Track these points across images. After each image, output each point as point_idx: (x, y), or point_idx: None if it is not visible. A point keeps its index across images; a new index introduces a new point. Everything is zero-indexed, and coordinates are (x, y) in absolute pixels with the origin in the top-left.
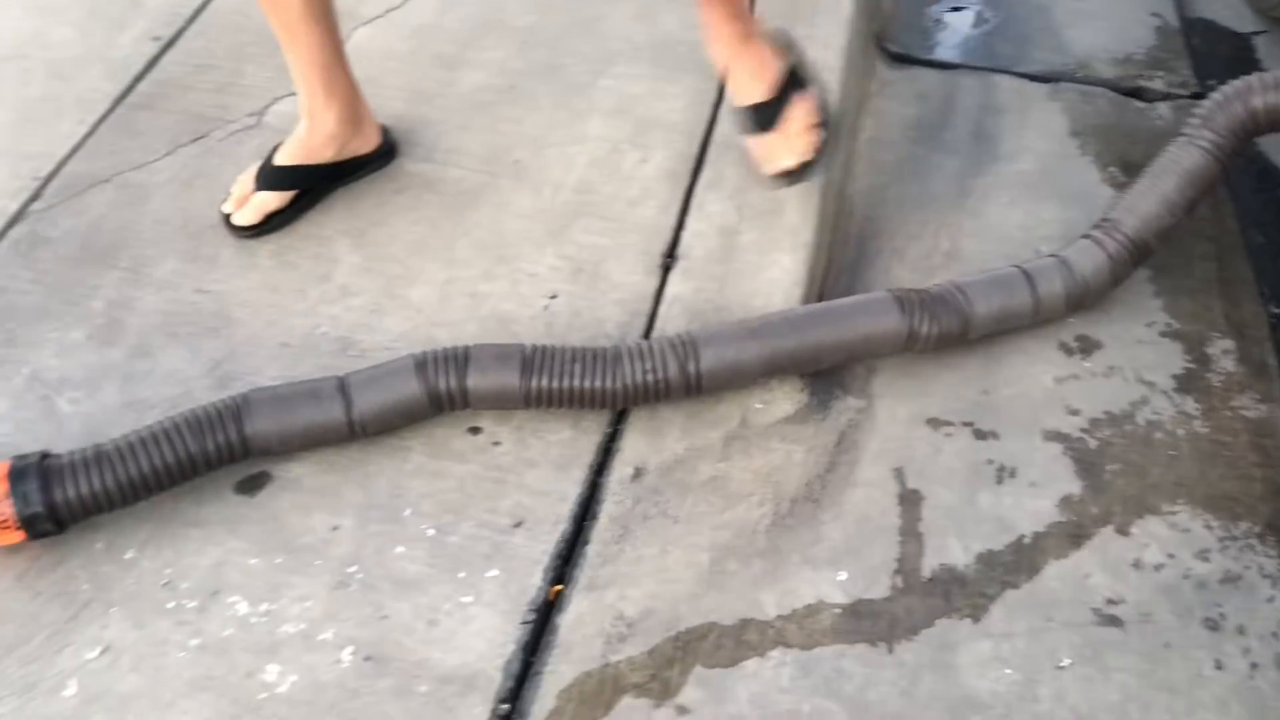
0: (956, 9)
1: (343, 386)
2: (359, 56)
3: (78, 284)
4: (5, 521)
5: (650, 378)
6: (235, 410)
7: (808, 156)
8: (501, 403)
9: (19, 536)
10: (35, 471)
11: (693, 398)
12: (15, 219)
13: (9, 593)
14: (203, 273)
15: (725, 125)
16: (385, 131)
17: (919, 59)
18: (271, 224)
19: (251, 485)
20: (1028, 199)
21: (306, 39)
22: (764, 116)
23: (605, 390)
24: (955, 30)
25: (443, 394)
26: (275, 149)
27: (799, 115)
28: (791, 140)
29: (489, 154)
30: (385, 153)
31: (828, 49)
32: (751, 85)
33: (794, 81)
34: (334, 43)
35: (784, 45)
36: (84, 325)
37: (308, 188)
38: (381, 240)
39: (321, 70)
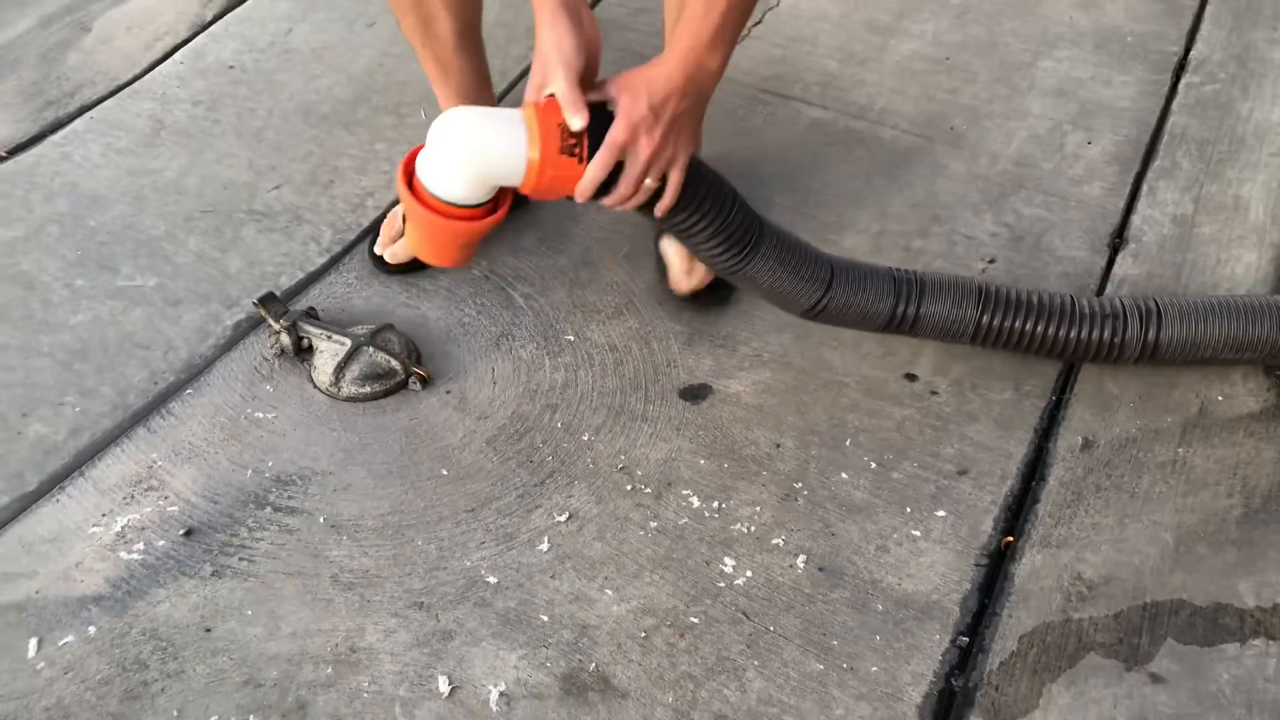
0: None
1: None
2: (792, 15)
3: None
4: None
5: (1106, 334)
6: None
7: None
8: (949, 335)
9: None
10: None
11: (1145, 365)
12: None
13: (479, 454)
14: None
15: (1180, 117)
16: None
17: None
18: (418, 262)
19: (695, 394)
20: None
21: (459, 72)
22: None
23: (1056, 338)
24: None
25: (899, 315)
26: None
27: None
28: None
29: (923, 118)
30: None
31: None
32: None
33: None
34: (484, 71)
35: None
36: (534, 232)
37: None
38: (814, 187)
39: (472, 100)
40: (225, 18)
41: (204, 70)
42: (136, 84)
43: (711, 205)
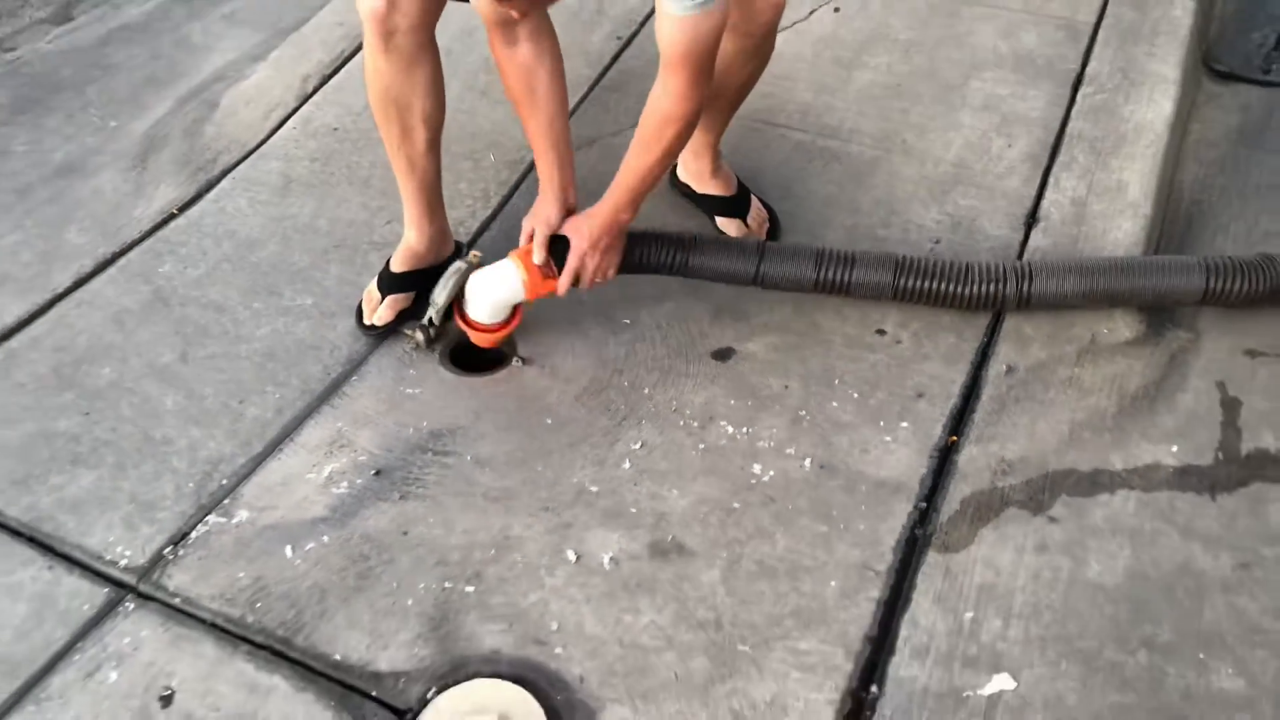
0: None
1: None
2: (777, 57)
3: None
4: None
5: (992, 288)
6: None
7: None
8: (874, 295)
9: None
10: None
11: (1024, 312)
12: (531, 166)
13: (571, 407)
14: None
15: (1077, 121)
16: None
17: (1242, 76)
18: (401, 319)
19: (722, 355)
20: None
21: (424, 168)
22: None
23: (952, 294)
24: (1275, 52)
25: (831, 281)
26: (388, 261)
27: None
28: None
29: (881, 134)
30: (455, 255)
31: (1165, 63)
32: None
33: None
34: (439, 168)
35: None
36: None
37: (421, 288)
38: (802, 195)
39: (431, 192)
40: (324, 88)
41: (314, 133)
42: (263, 147)
43: (638, 258)
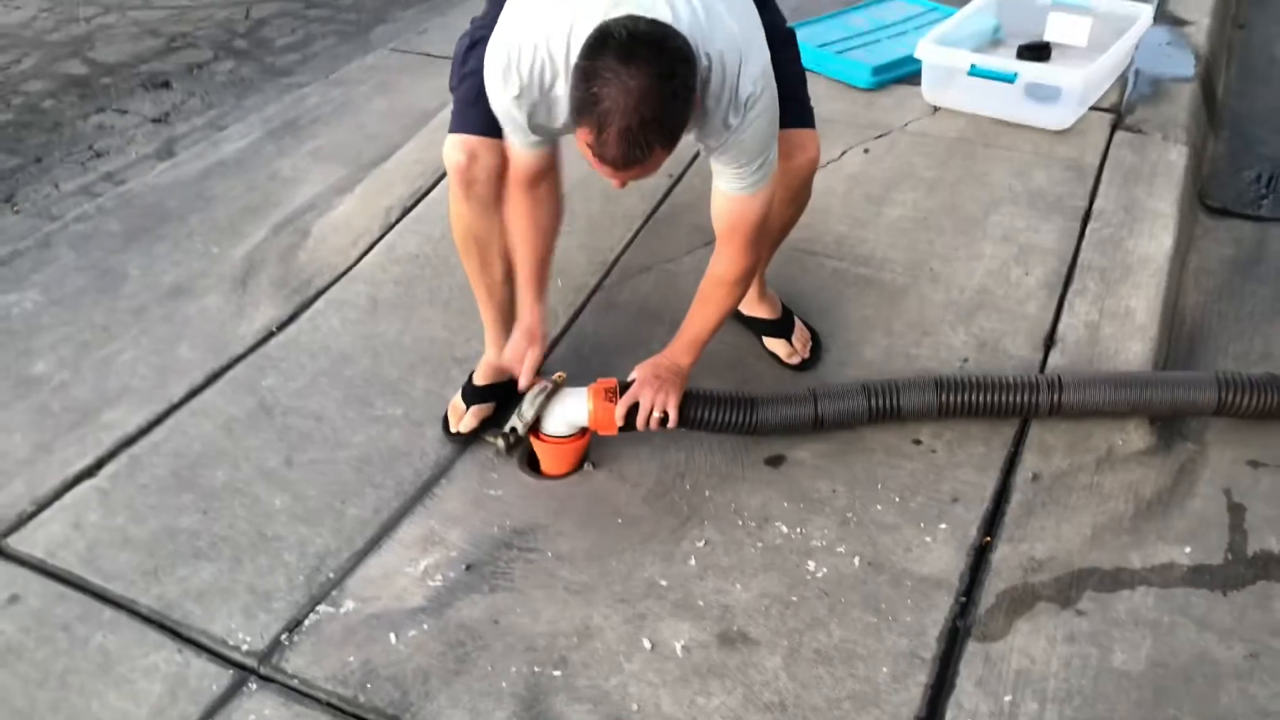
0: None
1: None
2: (813, 193)
3: (641, 332)
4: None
5: (1026, 398)
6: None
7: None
8: (923, 416)
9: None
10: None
11: (1063, 419)
12: (594, 290)
13: (639, 507)
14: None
15: (1087, 252)
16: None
17: (1234, 212)
18: (484, 428)
19: (774, 461)
20: None
21: (502, 295)
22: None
23: (992, 404)
24: (1264, 190)
25: (883, 409)
26: (471, 374)
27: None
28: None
29: (910, 263)
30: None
31: (1163, 201)
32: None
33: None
34: (513, 296)
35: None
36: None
37: (501, 399)
38: (840, 317)
39: (510, 315)
40: (405, 218)
41: (397, 259)
42: (351, 272)
43: (702, 415)
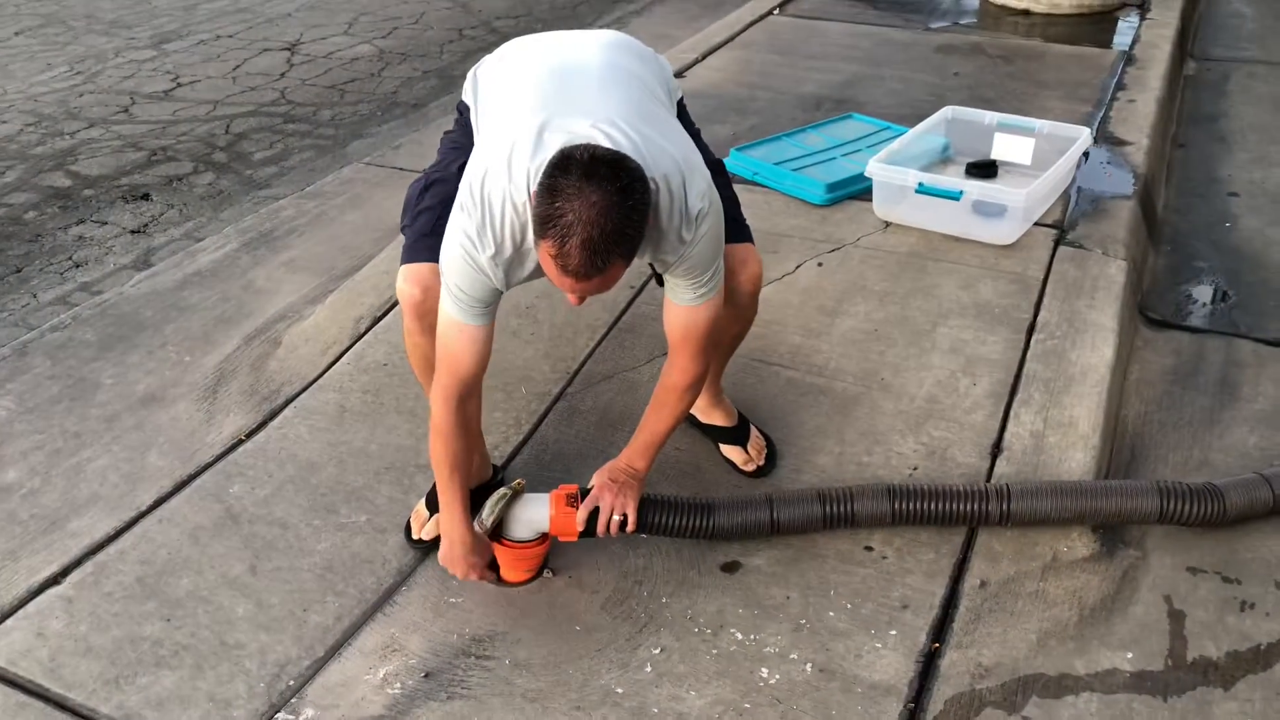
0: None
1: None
2: (765, 303)
3: (602, 441)
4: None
5: (976, 507)
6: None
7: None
8: (876, 523)
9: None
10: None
11: (1011, 528)
12: (558, 397)
13: (597, 615)
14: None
15: (1032, 364)
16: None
17: (1174, 324)
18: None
19: (730, 568)
20: (1265, 428)
21: (452, 483)
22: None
23: (943, 512)
24: (1203, 303)
25: (838, 515)
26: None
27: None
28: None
29: (862, 373)
30: (494, 477)
31: (1103, 314)
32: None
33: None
34: (479, 411)
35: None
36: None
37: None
38: (793, 424)
39: (473, 431)
40: (374, 328)
41: (365, 368)
42: (320, 380)
43: (658, 520)
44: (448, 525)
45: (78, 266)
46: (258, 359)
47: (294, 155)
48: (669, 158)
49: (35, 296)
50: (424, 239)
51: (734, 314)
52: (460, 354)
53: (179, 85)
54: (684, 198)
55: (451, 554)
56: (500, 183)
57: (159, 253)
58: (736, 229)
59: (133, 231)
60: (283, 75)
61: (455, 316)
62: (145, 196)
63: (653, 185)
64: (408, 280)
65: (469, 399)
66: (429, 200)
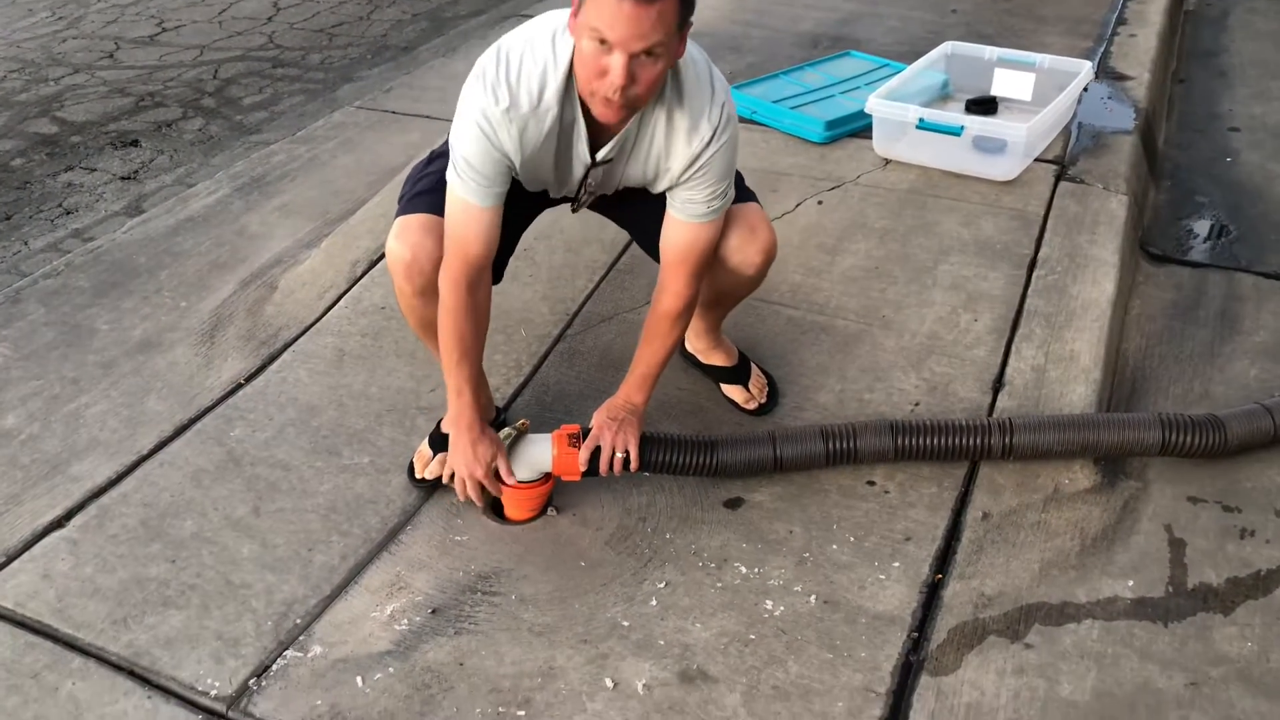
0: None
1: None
2: None
3: (603, 381)
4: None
5: (978, 441)
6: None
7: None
8: (879, 458)
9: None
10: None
11: (1014, 462)
12: (558, 339)
13: (601, 550)
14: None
15: (1033, 299)
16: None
17: (1174, 258)
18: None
19: (733, 504)
20: (1265, 360)
21: (467, 366)
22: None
23: (946, 446)
24: (1203, 238)
25: (841, 451)
26: (439, 422)
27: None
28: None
29: (863, 310)
30: (497, 418)
31: (1105, 249)
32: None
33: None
34: (480, 360)
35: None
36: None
37: None
38: (795, 363)
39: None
40: (371, 271)
41: (363, 311)
42: (318, 324)
43: (660, 457)
44: (455, 413)
45: (68, 213)
46: (254, 303)
47: (284, 100)
48: (697, 50)
49: (26, 244)
50: (423, 195)
51: (746, 280)
52: (468, 235)
53: (164, 30)
54: (709, 79)
55: (456, 445)
56: (541, 50)
57: (150, 199)
58: (743, 192)
59: (123, 178)
60: (270, 20)
61: (463, 196)
62: (134, 143)
63: (684, 55)
64: (399, 238)
65: (478, 286)
66: (433, 168)
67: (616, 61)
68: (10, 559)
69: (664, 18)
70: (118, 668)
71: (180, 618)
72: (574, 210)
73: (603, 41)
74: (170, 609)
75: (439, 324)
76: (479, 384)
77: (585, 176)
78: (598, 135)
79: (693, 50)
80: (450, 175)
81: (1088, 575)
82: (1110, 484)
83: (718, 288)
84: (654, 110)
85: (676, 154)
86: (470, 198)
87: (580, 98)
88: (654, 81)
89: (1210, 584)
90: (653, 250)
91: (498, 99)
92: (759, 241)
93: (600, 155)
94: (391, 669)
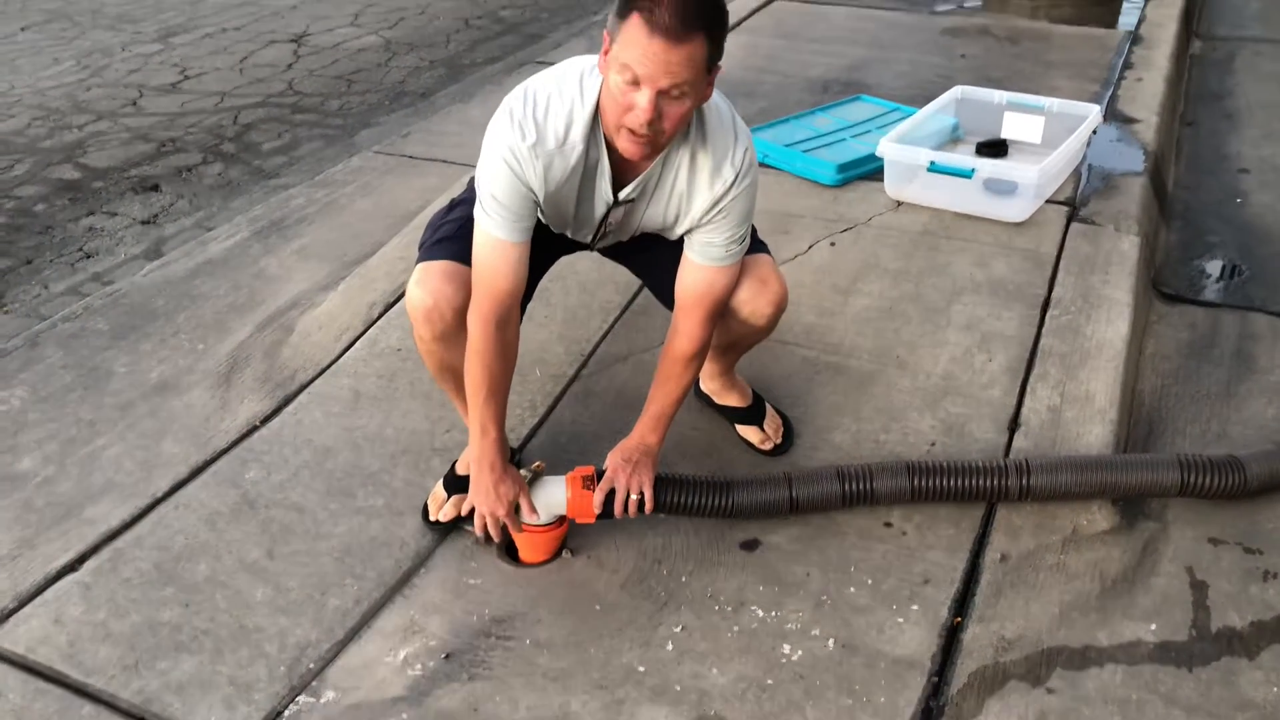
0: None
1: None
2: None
3: (618, 421)
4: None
5: (996, 482)
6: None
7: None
8: (896, 499)
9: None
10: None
11: (1031, 503)
12: (573, 380)
13: (617, 594)
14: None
15: (1048, 339)
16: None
17: (1188, 298)
18: (463, 517)
19: (749, 545)
20: None
21: (485, 409)
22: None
23: (963, 488)
24: (1216, 278)
25: (857, 493)
26: (453, 464)
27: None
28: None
29: (878, 351)
30: (511, 459)
31: (1118, 289)
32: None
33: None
34: (505, 401)
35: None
36: None
37: None
38: (810, 403)
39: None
40: (388, 313)
41: (379, 353)
42: (334, 366)
43: (675, 499)
44: (479, 452)
45: (88, 257)
46: (271, 346)
47: (303, 145)
48: (720, 96)
49: (46, 287)
50: (444, 242)
51: (757, 330)
52: (497, 271)
53: (186, 78)
54: (732, 124)
55: (479, 483)
56: (569, 89)
57: (170, 242)
58: (753, 241)
59: (143, 222)
60: (290, 66)
61: (491, 232)
62: (155, 187)
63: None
64: (420, 284)
65: (507, 325)
66: (454, 215)
67: (644, 97)
68: (22, 604)
69: (693, 58)
70: (129, 715)
71: (193, 663)
72: (589, 248)
73: (632, 78)
74: (183, 654)
75: (466, 363)
76: (503, 423)
77: (606, 216)
78: (621, 175)
79: (716, 95)
80: (478, 213)
81: (1109, 618)
82: (1129, 525)
83: (729, 337)
84: (678, 151)
85: (699, 196)
86: (498, 233)
87: (606, 136)
88: (679, 120)
89: (1234, 627)
90: (665, 297)
91: (524, 134)
92: (769, 294)
93: (623, 195)
94: (405, 715)
